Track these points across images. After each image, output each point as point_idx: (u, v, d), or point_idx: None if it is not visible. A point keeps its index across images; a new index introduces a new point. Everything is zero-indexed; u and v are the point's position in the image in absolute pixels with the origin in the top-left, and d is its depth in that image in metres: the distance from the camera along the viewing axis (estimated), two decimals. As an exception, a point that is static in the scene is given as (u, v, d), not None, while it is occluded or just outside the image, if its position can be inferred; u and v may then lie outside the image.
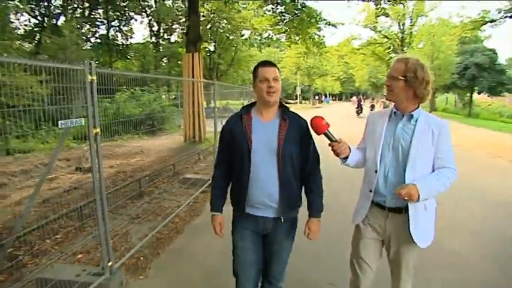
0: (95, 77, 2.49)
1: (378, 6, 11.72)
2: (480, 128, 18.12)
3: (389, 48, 37.32)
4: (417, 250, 1.94)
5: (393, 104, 1.96)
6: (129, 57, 29.05)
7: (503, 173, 7.26)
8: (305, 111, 32.52)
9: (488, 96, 34.03)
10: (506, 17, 11.73)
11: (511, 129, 17.74)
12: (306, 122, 1.96)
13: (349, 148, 1.94)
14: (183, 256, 3.48)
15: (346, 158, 1.94)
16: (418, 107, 1.90)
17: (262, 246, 2.04)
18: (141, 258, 3.35)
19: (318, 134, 1.88)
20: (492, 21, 12.64)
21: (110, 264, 2.75)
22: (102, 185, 2.65)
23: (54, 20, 22.64)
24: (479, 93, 32.16)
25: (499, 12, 11.94)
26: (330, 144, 1.91)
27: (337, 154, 1.92)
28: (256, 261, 2.02)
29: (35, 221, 4.08)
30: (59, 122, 2.32)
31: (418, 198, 1.74)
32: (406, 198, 1.75)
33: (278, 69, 1.91)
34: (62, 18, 23.21)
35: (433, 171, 1.87)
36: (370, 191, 1.95)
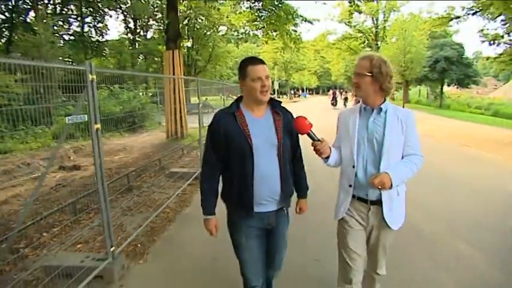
0: (95, 76, 2.69)
1: (351, 3, 12.14)
2: (450, 119, 19.06)
3: (363, 42, 38.31)
4: (394, 233, 2.03)
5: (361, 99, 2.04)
6: (104, 54, 28.49)
7: (472, 162, 7.80)
8: (284, 105, 33.00)
9: (457, 88, 35.66)
10: (469, 14, 12.52)
11: (478, 120, 18.80)
12: (291, 113, 2.02)
13: (330, 148, 1.98)
14: (177, 242, 3.74)
15: (328, 157, 1.98)
16: (385, 100, 1.99)
17: (265, 241, 2.03)
18: (139, 245, 3.59)
19: (301, 133, 1.90)
20: (457, 17, 13.41)
21: (112, 249, 2.97)
22: (103, 175, 2.86)
23: (23, 17, 21.92)
24: (448, 85, 33.61)
25: (463, 10, 12.77)
26: (312, 144, 1.92)
27: (319, 153, 1.94)
28: (263, 257, 2.03)
29: (28, 218, 4.19)
30: (66, 117, 2.52)
31: (391, 185, 1.83)
32: (379, 187, 1.83)
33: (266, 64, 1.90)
34: (32, 14, 22.51)
35: (402, 158, 1.96)
36: (350, 186, 2.01)
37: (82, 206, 4.67)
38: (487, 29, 13.68)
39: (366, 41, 38.01)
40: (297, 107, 25.99)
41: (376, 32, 37.11)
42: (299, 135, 2.00)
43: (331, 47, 40.98)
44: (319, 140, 1.89)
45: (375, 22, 37.53)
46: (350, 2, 12.16)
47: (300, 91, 62.62)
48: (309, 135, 1.87)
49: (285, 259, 2.18)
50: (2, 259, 3.15)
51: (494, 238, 3.71)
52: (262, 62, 1.88)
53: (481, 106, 30.88)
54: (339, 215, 2.09)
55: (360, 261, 2.06)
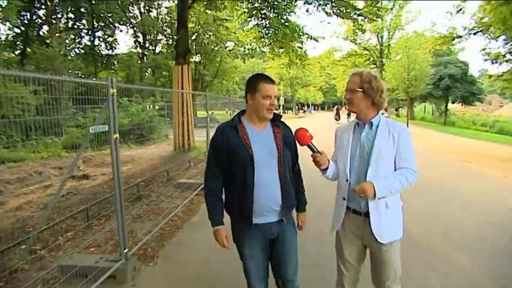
0: (115, 90, 2.95)
1: (355, 22, 12.52)
2: (454, 135, 19.19)
3: (368, 59, 38.86)
4: (390, 247, 2.00)
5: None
6: (113, 67, 29.13)
7: (472, 177, 7.93)
8: (289, 120, 33.08)
9: (462, 105, 35.85)
10: (470, 34, 12.86)
11: (481, 137, 18.93)
12: (290, 128, 2.12)
13: (329, 161, 2.05)
14: (185, 247, 3.94)
15: (326, 169, 2.04)
16: (377, 114, 2.04)
17: (270, 249, 2.08)
18: (149, 249, 3.78)
19: (302, 145, 1.96)
20: (459, 37, 13.75)
21: (125, 251, 3.18)
22: (120, 181, 3.09)
23: (37, 30, 22.63)
24: (453, 102, 33.80)
25: (464, 29, 13.12)
26: (312, 155, 2.00)
27: (318, 165, 2.00)
28: (266, 266, 2.10)
29: (43, 223, 4.40)
30: (90, 127, 2.77)
31: (375, 195, 1.85)
32: (361, 196, 1.86)
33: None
34: (45, 28, 23.23)
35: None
36: (344, 198, 2.06)
37: (93, 213, 4.90)
38: (490, 48, 14.05)
39: (371, 58, 38.55)
40: (302, 122, 26.26)
41: (381, 49, 37.66)
42: (297, 149, 2.10)
43: (337, 64, 41.51)
44: (318, 152, 1.98)
45: (380, 40, 38.13)
46: (354, 22, 12.50)
47: (306, 107, 63.07)
48: (309, 146, 1.96)
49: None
50: (22, 259, 3.36)
51: (491, 248, 3.86)
52: (273, 82, 1.99)
53: (486, 123, 30.99)
54: (334, 228, 2.17)
55: (354, 271, 2.14)
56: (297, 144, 2.06)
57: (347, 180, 2.02)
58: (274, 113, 2.01)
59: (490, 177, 7.91)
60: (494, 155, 11.20)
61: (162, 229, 4.36)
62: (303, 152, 2.14)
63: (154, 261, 3.54)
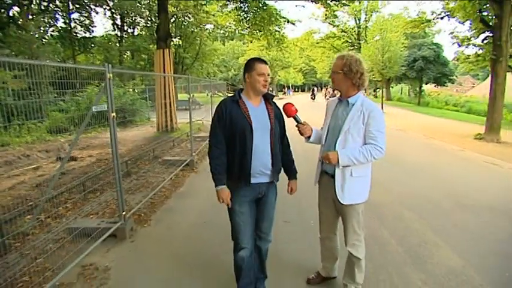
0: (111, 75, 3.41)
1: (327, 8, 13.00)
2: (425, 115, 20.29)
3: (346, 42, 39.41)
4: (351, 209, 2.35)
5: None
6: (91, 51, 28.56)
7: (432, 151, 8.82)
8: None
9: (435, 86, 37.27)
10: (438, 18, 13.59)
11: (449, 116, 20.14)
12: (278, 107, 2.48)
13: (311, 129, 2.45)
14: (174, 212, 4.53)
15: (309, 137, 2.46)
16: (357, 93, 2.31)
17: (255, 209, 2.43)
18: (142, 214, 4.35)
19: (288, 116, 2.36)
20: (428, 21, 14.46)
21: (124, 213, 3.71)
22: (117, 155, 3.59)
23: (7, 11, 21.87)
24: (426, 83, 35.10)
25: (432, 14, 13.84)
26: (296, 126, 2.39)
27: (302, 134, 2.42)
28: (252, 223, 2.41)
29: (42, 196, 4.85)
30: (93, 107, 3.24)
31: (338, 163, 2.20)
32: (327, 162, 2.25)
33: None
34: (15, 9, 22.47)
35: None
36: (319, 160, 2.48)
37: (87, 188, 5.37)
38: (458, 32, 14.81)
39: (349, 41, 39.12)
40: (282, 102, 27.03)
41: (358, 31, 38.29)
42: (285, 124, 2.46)
43: (315, 46, 41.88)
44: (301, 123, 2.39)
45: (358, 22, 38.70)
46: (326, 8, 12.97)
47: (286, 88, 63.53)
48: (294, 118, 2.37)
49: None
50: (32, 226, 3.85)
51: (434, 208, 4.61)
52: (266, 63, 2.34)
53: (458, 103, 32.48)
54: (315, 181, 2.60)
55: (327, 222, 2.57)
56: (285, 120, 2.44)
57: (322, 146, 2.45)
58: (268, 93, 2.37)
59: (448, 151, 8.79)
60: (456, 132, 12.21)
61: (152, 199, 4.91)
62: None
63: (148, 224, 4.11)
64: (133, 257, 3.33)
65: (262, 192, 2.38)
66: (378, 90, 44.59)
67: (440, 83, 34.52)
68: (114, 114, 3.48)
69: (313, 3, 12.16)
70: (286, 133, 2.52)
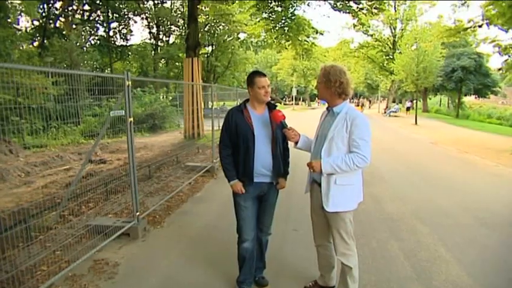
0: (130, 82, 3.62)
1: (356, 17, 12.86)
2: (462, 128, 19.35)
3: (381, 51, 38.37)
4: (338, 217, 2.36)
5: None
6: (128, 58, 29.83)
7: (463, 165, 8.41)
8: (302, 112, 33.53)
9: (476, 97, 35.38)
10: (475, 26, 13.00)
11: (489, 129, 19.02)
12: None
13: (299, 135, 2.54)
14: (188, 215, 4.67)
15: (297, 143, 2.56)
16: (342, 103, 2.36)
17: (257, 206, 2.70)
18: (157, 216, 4.51)
19: (276, 122, 2.52)
20: (464, 29, 13.87)
21: (138, 214, 3.88)
22: (134, 159, 3.78)
23: (54, 22, 23.44)
24: (465, 95, 33.43)
25: (469, 22, 13.25)
26: (283, 130, 2.52)
27: (288, 138, 2.56)
28: (255, 216, 2.69)
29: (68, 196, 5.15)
30: (111, 112, 3.45)
31: (321, 171, 2.27)
32: (311, 170, 2.37)
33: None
34: (61, 20, 24.02)
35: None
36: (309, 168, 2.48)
37: (110, 189, 5.65)
38: (501, 40, 13.95)
39: (384, 50, 38.05)
40: (314, 113, 26.61)
41: (394, 41, 37.09)
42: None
43: (348, 56, 41.12)
44: (287, 128, 2.49)
45: (393, 31, 37.63)
46: (353, 16, 12.85)
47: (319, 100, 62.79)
48: (281, 123, 2.51)
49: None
50: (56, 221, 4.12)
51: (451, 222, 4.42)
52: (265, 75, 2.60)
53: (503, 117, 30.63)
54: (305, 190, 2.68)
55: (319, 231, 2.62)
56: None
57: (311, 154, 2.53)
58: (270, 103, 2.65)
59: (479, 165, 8.36)
60: (493, 147, 11.56)
61: (169, 202, 5.08)
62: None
63: (161, 225, 4.26)
64: (142, 254, 3.49)
65: (264, 191, 2.66)
66: (414, 101, 42.91)
67: (481, 95, 32.78)
68: (131, 119, 3.67)
69: (340, 12, 12.08)
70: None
